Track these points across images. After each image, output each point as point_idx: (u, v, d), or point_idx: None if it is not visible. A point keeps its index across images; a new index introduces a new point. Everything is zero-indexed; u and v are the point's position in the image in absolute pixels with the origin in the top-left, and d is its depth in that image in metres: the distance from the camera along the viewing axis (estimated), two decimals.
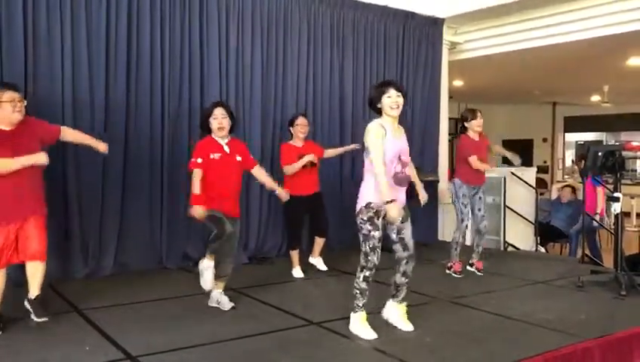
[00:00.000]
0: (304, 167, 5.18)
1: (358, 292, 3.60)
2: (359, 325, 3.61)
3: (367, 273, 3.56)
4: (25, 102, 3.68)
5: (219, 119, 4.14)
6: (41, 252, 3.65)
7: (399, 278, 3.70)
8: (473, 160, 5.29)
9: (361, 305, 3.62)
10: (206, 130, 4.25)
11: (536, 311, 4.19)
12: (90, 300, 4.29)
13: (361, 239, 3.58)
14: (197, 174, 4.04)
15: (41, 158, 3.61)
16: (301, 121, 5.34)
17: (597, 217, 7.48)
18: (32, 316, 3.61)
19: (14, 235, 3.58)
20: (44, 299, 3.72)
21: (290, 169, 5.17)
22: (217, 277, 4.14)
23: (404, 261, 3.66)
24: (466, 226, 5.39)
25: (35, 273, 3.65)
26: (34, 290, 3.65)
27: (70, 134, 4.01)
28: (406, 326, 3.71)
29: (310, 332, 3.73)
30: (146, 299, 4.40)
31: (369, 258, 3.54)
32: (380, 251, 3.56)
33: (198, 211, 3.96)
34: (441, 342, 3.53)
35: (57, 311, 3.92)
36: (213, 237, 4.08)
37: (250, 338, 3.54)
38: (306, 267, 5.43)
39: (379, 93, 3.57)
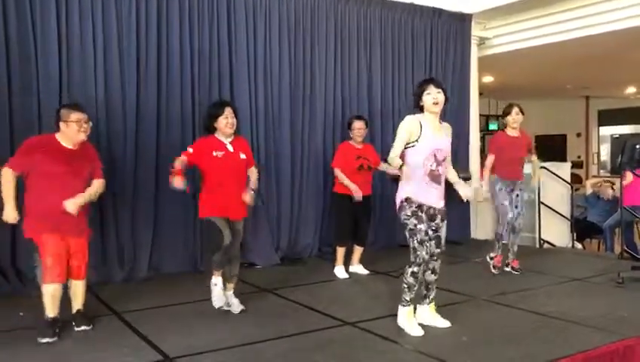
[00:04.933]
0: (359, 168, 5.18)
1: (405, 287, 3.61)
2: (405, 320, 3.64)
3: (416, 268, 3.56)
4: (91, 124, 3.77)
5: (229, 119, 4.03)
6: (84, 271, 3.81)
7: (429, 276, 3.70)
8: (489, 160, 5.23)
9: (408, 299, 3.63)
10: (212, 130, 4.10)
11: (574, 308, 4.11)
12: (128, 303, 4.36)
13: (408, 236, 3.58)
14: (180, 160, 3.94)
15: (70, 206, 3.56)
16: (357, 124, 5.29)
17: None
18: (75, 327, 3.77)
19: (66, 248, 3.66)
20: (86, 312, 3.86)
21: (339, 175, 5.18)
22: (226, 278, 4.17)
23: (435, 257, 3.66)
24: (510, 219, 5.22)
25: (77, 290, 3.82)
26: (77, 305, 3.84)
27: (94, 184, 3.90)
28: (443, 322, 3.73)
29: (345, 332, 3.73)
30: (182, 301, 4.45)
31: (418, 253, 3.54)
32: (428, 245, 3.55)
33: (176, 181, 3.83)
34: (478, 341, 3.49)
35: (97, 315, 4.01)
36: (213, 250, 4.09)
37: (285, 339, 3.56)
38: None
39: (420, 91, 3.60)
